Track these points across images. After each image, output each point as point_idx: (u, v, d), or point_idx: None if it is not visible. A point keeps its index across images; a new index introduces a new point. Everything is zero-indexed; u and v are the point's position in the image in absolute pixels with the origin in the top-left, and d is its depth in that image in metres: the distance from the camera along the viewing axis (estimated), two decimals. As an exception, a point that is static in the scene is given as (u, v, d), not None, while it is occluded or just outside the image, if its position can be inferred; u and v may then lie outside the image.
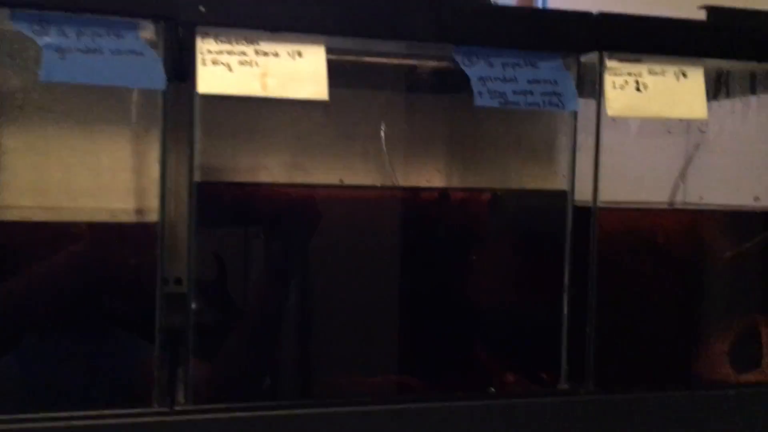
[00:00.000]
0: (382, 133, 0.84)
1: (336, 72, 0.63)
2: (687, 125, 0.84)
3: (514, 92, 0.67)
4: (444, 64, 0.76)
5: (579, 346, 0.70)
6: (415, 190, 0.72)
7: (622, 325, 0.74)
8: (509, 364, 0.73)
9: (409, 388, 0.71)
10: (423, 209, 0.71)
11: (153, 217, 0.62)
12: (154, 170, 0.68)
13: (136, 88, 0.70)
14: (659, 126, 0.83)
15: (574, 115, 0.70)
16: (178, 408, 0.61)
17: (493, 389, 0.70)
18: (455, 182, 0.87)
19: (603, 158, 0.70)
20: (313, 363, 0.69)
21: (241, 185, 0.65)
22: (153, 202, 0.64)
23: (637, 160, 0.82)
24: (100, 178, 0.74)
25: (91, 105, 0.73)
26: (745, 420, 0.74)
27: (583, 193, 0.70)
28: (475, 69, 0.66)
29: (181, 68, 0.62)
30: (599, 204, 0.70)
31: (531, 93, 0.67)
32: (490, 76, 0.67)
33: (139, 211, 0.72)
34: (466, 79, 0.69)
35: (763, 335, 0.80)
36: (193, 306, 0.61)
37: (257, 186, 0.67)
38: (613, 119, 0.70)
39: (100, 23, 0.58)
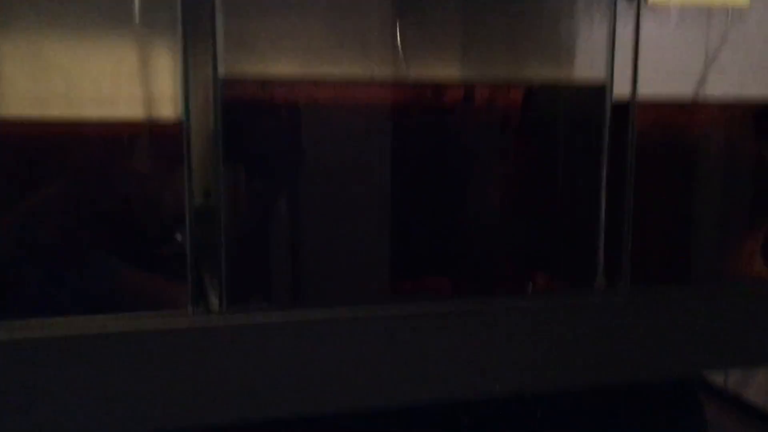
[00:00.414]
0: (398, 27, 0.80)
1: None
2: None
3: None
4: None
5: (614, 246, 0.69)
6: (436, 86, 0.69)
7: (656, 224, 0.72)
8: (544, 266, 0.71)
9: (443, 290, 0.70)
10: (446, 106, 0.68)
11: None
12: (163, 76, 0.65)
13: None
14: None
15: (614, 2, 0.66)
16: (214, 313, 0.60)
17: (531, 288, 0.69)
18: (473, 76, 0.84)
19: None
20: (347, 268, 0.68)
21: (277, 83, 0.62)
22: (164, 111, 0.61)
23: (669, 50, 0.78)
24: (104, 86, 0.71)
25: (91, 5, 0.69)
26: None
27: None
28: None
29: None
30: (638, 100, 0.67)
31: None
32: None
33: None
34: None
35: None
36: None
37: (294, 84, 0.63)
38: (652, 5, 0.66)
39: None
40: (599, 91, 0.67)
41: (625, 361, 0.69)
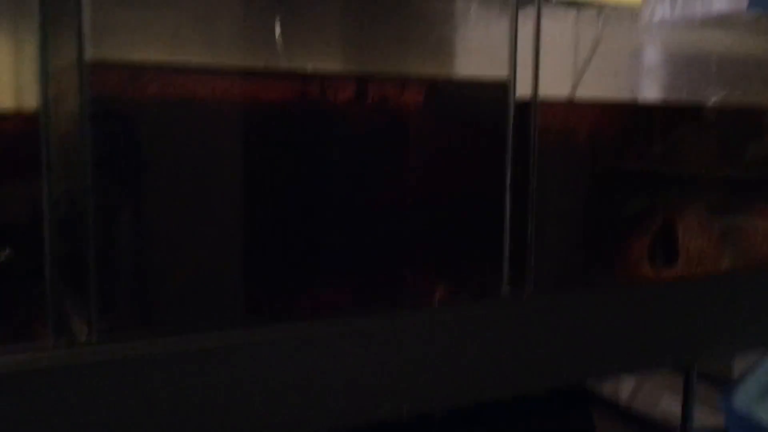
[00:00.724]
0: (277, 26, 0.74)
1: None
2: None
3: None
4: None
5: (517, 250, 0.66)
6: (334, 77, 0.63)
7: (557, 226, 0.70)
8: (449, 273, 0.67)
9: (339, 305, 0.63)
10: (344, 101, 0.62)
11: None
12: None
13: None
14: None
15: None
16: (80, 341, 0.49)
17: (437, 298, 0.64)
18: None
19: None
20: (228, 283, 0.59)
21: (143, 68, 0.53)
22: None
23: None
24: None
25: None
26: (665, 312, 0.74)
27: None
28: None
29: None
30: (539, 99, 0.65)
31: (473, -31, 0.60)
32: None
33: None
34: None
35: (679, 233, 0.80)
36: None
37: (181, 70, 0.54)
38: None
39: None
40: (502, 89, 0.64)
41: (527, 371, 0.67)
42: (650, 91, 0.79)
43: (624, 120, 0.73)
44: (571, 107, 0.71)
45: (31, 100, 0.54)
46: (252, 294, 0.60)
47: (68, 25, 0.48)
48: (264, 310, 0.59)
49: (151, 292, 0.54)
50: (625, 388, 1.00)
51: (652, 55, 0.78)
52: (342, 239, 0.64)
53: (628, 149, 0.73)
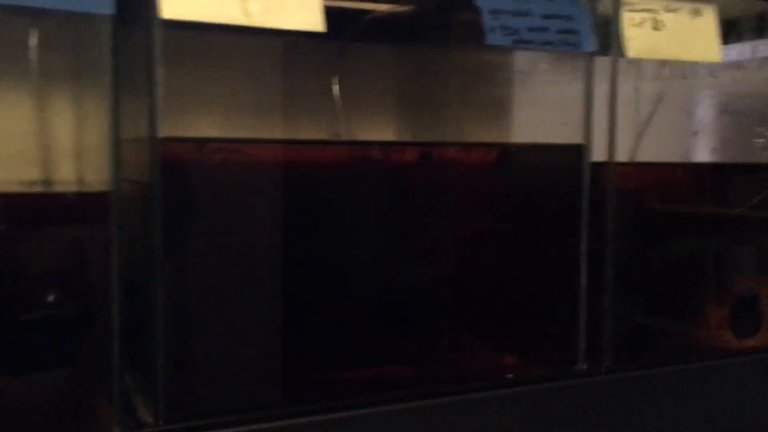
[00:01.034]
0: (335, 87, 0.73)
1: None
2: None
3: (529, 29, 0.57)
4: (398, 8, 0.66)
5: (593, 321, 0.63)
6: (407, 145, 0.61)
7: (634, 296, 0.66)
8: (520, 344, 0.64)
9: (405, 381, 0.60)
10: (416, 167, 0.60)
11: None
12: (61, 133, 0.55)
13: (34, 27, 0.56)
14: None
15: (591, 57, 0.61)
16: (147, 431, 0.47)
17: (510, 375, 0.60)
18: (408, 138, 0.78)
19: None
20: (294, 360, 0.57)
21: (207, 142, 0.51)
22: (63, 172, 0.51)
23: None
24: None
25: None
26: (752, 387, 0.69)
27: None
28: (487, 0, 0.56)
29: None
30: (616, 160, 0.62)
31: (546, 30, 0.58)
32: (502, 9, 0.57)
33: (47, 182, 0.57)
34: (419, 28, 0.58)
35: (762, 299, 0.75)
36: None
37: (245, 144, 0.53)
38: (630, 61, 0.62)
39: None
40: (576, 151, 0.61)
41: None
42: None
43: (705, 182, 0.70)
44: (649, 169, 0.67)
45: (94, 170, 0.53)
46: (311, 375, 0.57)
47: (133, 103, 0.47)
48: (330, 390, 0.56)
49: (219, 375, 0.52)
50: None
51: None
52: (409, 309, 0.61)
53: (709, 214, 0.70)
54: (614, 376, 0.62)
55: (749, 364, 0.69)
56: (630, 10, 0.61)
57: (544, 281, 0.64)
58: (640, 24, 0.61)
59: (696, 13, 0.64)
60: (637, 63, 0.78)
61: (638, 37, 0.61)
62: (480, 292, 0.63)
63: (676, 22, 0.63)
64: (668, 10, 0.62)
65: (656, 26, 0.62)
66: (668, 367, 0.64)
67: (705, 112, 0.81)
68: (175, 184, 0.48)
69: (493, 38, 0.56)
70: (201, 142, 0.50)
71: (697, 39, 0.63)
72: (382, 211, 0.58)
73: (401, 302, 0.61)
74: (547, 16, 0.58)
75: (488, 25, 0.56)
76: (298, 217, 0.55)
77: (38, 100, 0.60)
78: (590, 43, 0.60)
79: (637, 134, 0.79)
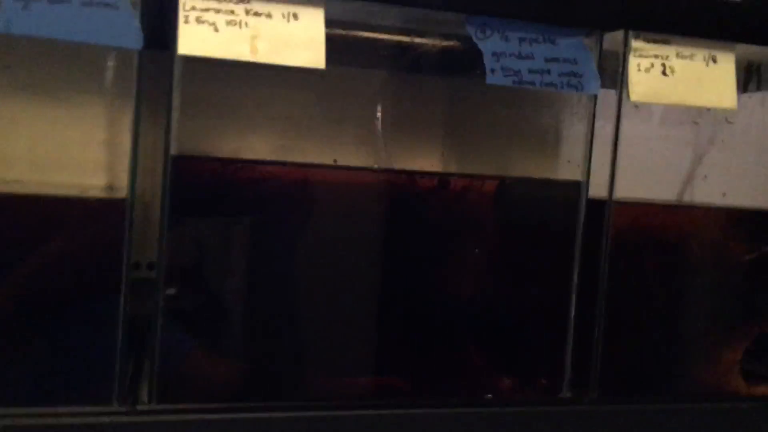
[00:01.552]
0: (378, 115, 0.78)
1: (332, 48, 0.57)
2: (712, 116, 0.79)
3: (530, 71, 0.61)
4: (447, 43, 0.70)
5: (583, 351, 0.65)
6: (411, 174, 0.66)
7: (629, 330, 0.68)
8: (507, 367, 0.67)
9: (396, 391, 0.65)
10: (419, 196, 0.64)
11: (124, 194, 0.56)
12: (127, 143, 0.63)
13: (111, 50, 0.63)
14: (681, 116, 0.78)
15: (594, 99, 0.64)
16: (140, 408, 0.54)
17: (490, 395, 0.64)
18: (453, 169, 0.82)
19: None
20: (293, 361, 0.63)
21: (225, 161, 0.58)
22: (125, 179, 0.58)
23: (655, 152, 0.76)
24: (68, 150, 0.67)
25: (61, 71, 0.66)
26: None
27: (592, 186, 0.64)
28: (489, 43, 0.60)
29: (162, 30, 0.54)
30: (615, 198, 0.64)
31: (548, 72, 0.61)
32: (504, 52, 0.60)
33: (111, 188, 0.65)
34: (468, 61, 0.62)
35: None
36: (166, 292, 0.55)
37: (243, 163, 0.60)
38: (636, 105, 0.64)
39: (68, -31, 0.51)
40: (574, 188, 0.64)
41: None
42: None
43: (704, 223, 0.70)
44: (647, 209, 0.69)
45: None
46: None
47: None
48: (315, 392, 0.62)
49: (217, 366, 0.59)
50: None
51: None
52: (409, 325, 0.66)
53: (714, 253, 0.70)
54: (597, 408, 0.64)
55: (746, 411, 0.68)
56: (639, 56, 0.63)
57: (537, 310, 0.67)
58: (647, 70, 0.63)
59: (713, 59, 0.65)
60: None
61: (644, 81, 0.62)
62: (481, 313, 0.67)
63: (689, 68, 0.64)
64: (681, 57, 0.64)
65: (666, 72, 0.63)
66: (656, 405, 0.65)
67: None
68: (184, 197, 0.55)
69: (494, 79, 0.60)
70: (208, 161, 0.57)
71: (711, 85, 0.64)
72: (398, 232, 0.63)
73: (401, 317, 0.65)
74: (549, 60, 0.61)
75: (490, 66, 0.60)
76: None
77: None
78: (594, 86, 0.62)
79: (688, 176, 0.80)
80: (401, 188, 0.64)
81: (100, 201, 0.55)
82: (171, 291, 0.55)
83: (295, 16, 0.55)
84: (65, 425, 0.52)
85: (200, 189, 0.56)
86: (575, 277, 0.64)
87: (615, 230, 0.64)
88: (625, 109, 0.65)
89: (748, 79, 0.75)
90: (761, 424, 0.68)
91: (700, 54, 0.64)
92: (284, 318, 0.60)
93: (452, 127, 0.80)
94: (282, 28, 0.54)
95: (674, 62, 0.63)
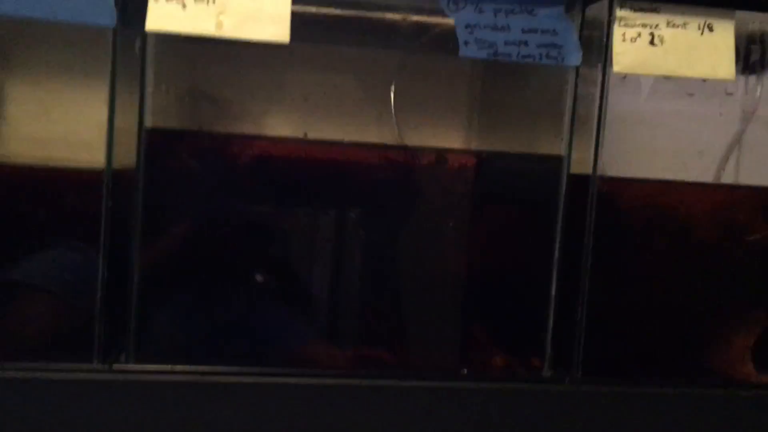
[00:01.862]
0: (392, 94, 0.79)
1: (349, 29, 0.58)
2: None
3: (506, 43, 0.60)
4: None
5: (567, 330, 0.64)
6: (381, 148, 0.66)
7: (620, 311, 0.66)
8: (486, 343, 0.66)
9: (375, 363, 0.65)
10: (391, 170, 0.64)
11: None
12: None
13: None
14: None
15: (576, 70, 0.62)
16: (116, 367, 0.58)
17: (465, 371, 0.63)
18: (474, 146, 0.81)
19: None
20: (275, 329, 0.65)
21: (198, 134, 0.61)
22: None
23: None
24: (102, 132, 0.72)
25: (93, 56, 0.71)
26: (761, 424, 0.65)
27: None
28: (462, 15, 0.59)
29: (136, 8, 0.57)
30: (601, 174, 0.62)
31: (525, 44, 0.60)
32: (479, 23, 0.59)
33: None
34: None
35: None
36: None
37: (216, 137, 0.62)
38: (622, 76, 0.62)
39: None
40: (556, 162, 0.62)
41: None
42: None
43: (695, 201, 0.67)
44: (634, 185, 0.66)
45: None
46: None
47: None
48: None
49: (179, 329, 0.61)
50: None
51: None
52: (395, 303, 0.66)
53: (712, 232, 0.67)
54: (578, 388, 0.62)
55: (726, 396, 0.65)
56: (624, 25, 0.60)
57: (517, 286, 0.66)
58: (633, 39, 0.60)
59: (708, 28, 0.61)
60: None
61: (629, 52, 0.60)
62: (459, 288, 0.66)
63: (681, 37, 0.61)
64: (672, 26, 0.61)
65: (654, 41, 0.61)
66: (638, 388, 0.63)
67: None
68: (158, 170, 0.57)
69: (468, 51, 0.59)
70: (182, 134, 0.60)
71: (706, 55, 0.61)
72: (354, 212, 0.64)
73: (379, 292, 0.66)
74: (527, 31, 0.60)
75: (462, 39, 0.59)
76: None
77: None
78: (575, 58, 0.60)
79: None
80: (375, 163, 0.64)
81: (79, 171, 0.58)
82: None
83: (262, -8, 0.57)
84: (46, 380, 0.56)
85: (172, 161, 0.59)
86: (556, 252, 0.63)
87: (602, 207, 0.62)
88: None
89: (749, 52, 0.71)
90: (740, 409, 0.64)
91: (695, 22, 0.61)
92: (241, 290, 0.62)
93: (472, 105, 0.80)
94: (249, 3, 0.56)
95: (664, 31, 0.61)
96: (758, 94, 0.78)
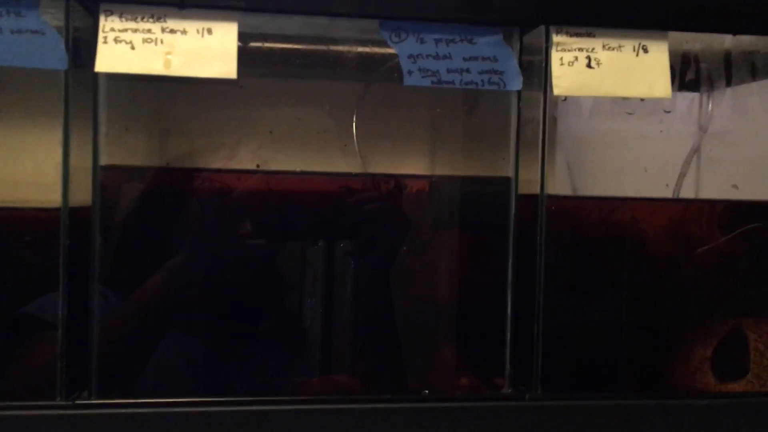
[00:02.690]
0: (353, 124, 0.81)
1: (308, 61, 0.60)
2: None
3: (449, 70, 0.62)
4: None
5: (526, 348, 0.65)
6: (331, 176, 0.68)
7: (578, 327, 0.67)
8: (464, 366, 0.67)
9: (345, 388, 0.66)
10: (343, 196, 0.66)
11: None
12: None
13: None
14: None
15: (518, 95, 0.64)
16: (79, 402, 0.58)
17: (426, 392, 0.64)
18: (438, 171, 0.83)
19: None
20: (241, 360, 0.65)
21: (150, 170, 0.62)
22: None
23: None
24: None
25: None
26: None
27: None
28: (404, 46, 0.62)
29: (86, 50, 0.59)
30: (548, 193, 0.64)
31: (468, 71, 0.62)
32: (421, 53, 0.62)
33: None
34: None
35: (750, 340, 0.72)
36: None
37: (167, 171, 0.63)
38: (563, 98, 0.64)
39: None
40: (504, 184, 0.64)
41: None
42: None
43: (645, 216, 0.69)
44: (582, 203, 0.68)
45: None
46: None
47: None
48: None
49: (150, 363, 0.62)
50: None
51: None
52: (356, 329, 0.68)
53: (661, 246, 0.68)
54: (537, 404, 0.63)
55: (718, 406, 0.66)
56: (561, 50, 0.63)
57: (473, 307, 0.67)
58: (571, 63, 0.63)
59: (643, 49, 0.64)
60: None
61: (567, 75, 0.63)
62: (416, 311, 0.68)
63: (617, 59, 0.63)
64: (608, 48, 0.63)
65: (591, 64, 0.63)
66: (597, 401, 0.64)
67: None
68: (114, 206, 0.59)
69: (412, 80, 0.61)
70: (135, 170, 0.61)
71: (642, 75, 0.64)
72: (315, 240, 0.65)
73: (354, 321, 0.67)
74: (468, 59, 0.62)
75: (406, 68, 0.61)
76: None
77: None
78: (515, 83, 0.63)
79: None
80: (326, 191, 0.66)
81: (36, 210, 0.60)
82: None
83: (209, 31, 0.59)
84: (8, 417, 0.57)
85: (130, 197, 0.60)
86: (510, 272, 0.64)
87: (553, 225, 0.64)
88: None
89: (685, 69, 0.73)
90: (701, 419, 0.65)
91: (630, 45, 0.64)
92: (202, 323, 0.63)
93: (435, 131, 0.82)
94: (196, 42, 0.58)
95: (600, 54, 0.63)
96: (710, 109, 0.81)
